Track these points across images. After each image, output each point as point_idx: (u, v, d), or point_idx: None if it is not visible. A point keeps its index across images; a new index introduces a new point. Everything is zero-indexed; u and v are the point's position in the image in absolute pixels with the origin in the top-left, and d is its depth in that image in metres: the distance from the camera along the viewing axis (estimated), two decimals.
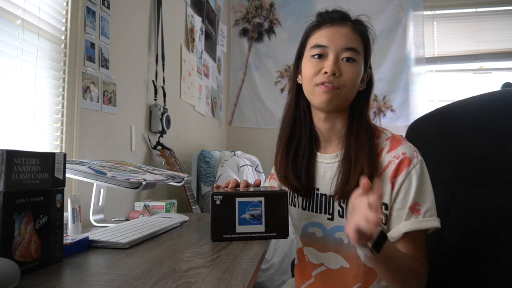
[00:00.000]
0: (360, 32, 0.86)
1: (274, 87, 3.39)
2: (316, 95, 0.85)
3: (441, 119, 1.04)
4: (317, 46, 0.85)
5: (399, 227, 0.79)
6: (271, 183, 1.11)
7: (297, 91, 0.93)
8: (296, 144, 0.93)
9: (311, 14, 0.91)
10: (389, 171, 0.81)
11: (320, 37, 0.86)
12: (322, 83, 0.83)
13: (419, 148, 0.85)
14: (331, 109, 0.86)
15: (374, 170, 0.81)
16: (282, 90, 3.38)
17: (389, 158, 0.82)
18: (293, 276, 1.27)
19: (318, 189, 0.92)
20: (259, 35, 3.44)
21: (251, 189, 0.88)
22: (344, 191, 0.83)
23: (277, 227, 0.80)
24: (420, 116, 1.13)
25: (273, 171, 1.12)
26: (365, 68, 0.89)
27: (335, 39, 0.84)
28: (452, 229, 0.92)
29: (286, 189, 0.99)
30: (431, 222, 0.78)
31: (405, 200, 0.80)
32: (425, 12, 3.24)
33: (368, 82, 0.91)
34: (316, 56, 0.85)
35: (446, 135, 1.01)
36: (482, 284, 0.86)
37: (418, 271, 0.78)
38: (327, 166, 0.91)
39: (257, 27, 3.44)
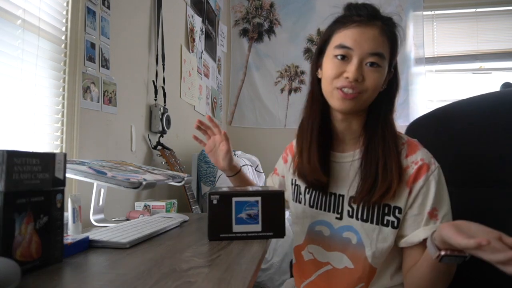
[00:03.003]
0: (389, 34, 0.82)
1: (274, 87, 3.39)
2: (334, 99, 0.83)
3: (441, 119, 1.04)
4: (341, 46, 0.81)
5: (418, 233, 0.80)
6: (273, 178, 1.11)
7: (319, 86, 0.89)
8: (318, 139, 0.89)
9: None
10: (407, 176, 0.81)
11: (346, 37, 0.81)
12: (342, 88, 0.80)
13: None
14: (352, 113, 0.85)
15: (401, 178, 0.81)
16: (282, 90, 3.38)
17: (407, 163, 0.82)
18: (291, 276, 1.27)
19: (328, 187, 0.90)
20: (259, 35, 3.44)
21: (249, 188, 0.88)
22: (366, 197, 0.82)
23: (274, 226, 0.81)
24: (419, 116, 1.13)
25: (277, 165, 1.12)
26: (389, 68, 0.85)
27: (362, 42, 0.79)
28: None
29: (289, 184, 1.00)
30: None
31: (423, 206, 0.80)
32: (425, 12, 3.24)
33: (391, 82, 0.87)
34: (339, 57, 0.81)
35: (444, 135, 1.01)
36: (473, 281, 0.87)
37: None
38: (340, 165, 0.89)
39: (257, 27, 3.44)
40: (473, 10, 3.23)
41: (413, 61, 3.21)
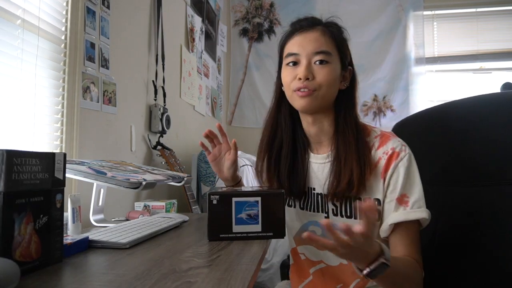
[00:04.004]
0: (331, 34, 0.88)
1: (274, 87, 3.39)
2: (295, 101, 0.89)
3: (431, 119, 1.06)
4: (290, 54, 0.89)
5: (387, 220, 0.81)
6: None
7: (279, 98, 0.96)
8: (278, 148, 0.95)
9: (286, 26, 0.95)
10: (380, 167, 0.84)
11: (292, 45, 0.89)
12: (298, 89, 0.86)
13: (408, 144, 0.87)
14: (313, 111, 0.89)
15: (364, 169, 0.83)
16: None
17: (379, 154, 0.85)
18: (283, 278, 1.27)
19: (314, 189, 0.94)
20: (259, 35, 3.44)
21: (248, 189, 0.88)
22: (335, 192, 0.86)
23: (274, 226, 0.81)
24: (409, 115, 1.16)
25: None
26: (344, 66, 0.90)
27: (305, 45, 0.87)
28: (442, 227, 0.94)
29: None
30: (419, 213, 0.79)
31: (394, 193, 0.82)
32: (425, 12, 3.24)
33: (352, 80, 0.92)
34: (290, 64, 0.89)
35: (436, 134, 1.03)
36: (470, 280, 0.88)
37: (416, 275, 0.78)
38: (320, 166, 0.93)
39: (257, 27, 3.44)
40: (473, 10, 3.22)
41: (413, 61, 3.20)
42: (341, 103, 0.90)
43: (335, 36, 0.89)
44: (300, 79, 0.85)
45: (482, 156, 0.91)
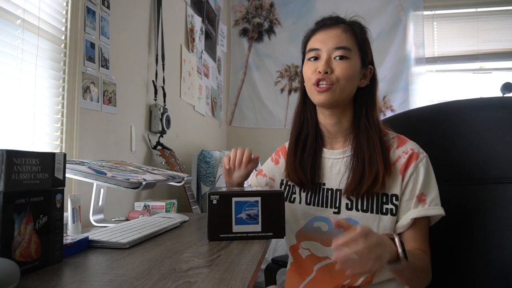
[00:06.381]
0: (353, 31, 0.92)
1: (274, 87, 3.39)
2: (313, 95, 0.91)
3: (421, 119, 1.10)
4: (311, 49, 0.92)
5: (408, 215, 0.86)
6: (259, 178, 1.10)
7: (304, 92, 0.99)
8: (304, 142, 0.98)
9: (311, 20, 0.98)
10: (399, 165, 0.89)
11: (314, 41, 0.93)
12: (317, 82, 0.89)
13: None
14: (331, 105, 0.91)
15: (387, 169, 0.88)
16: (282, 90, 3.38)
17: (398, 153, 0.90)
18: (268, 283, 1.27)
19: (324, 184, 0.95)
20: (259, 35, 3.44)
21: (248, 189, 0.88)
22: (357, 188, 0.88)
23: (274, 226, 0.81)
24: (396, 113, 1.19)
25: (262, 167, 1.13)
26: (365, 64, 0.93)
27: (327, 41, 0.90)
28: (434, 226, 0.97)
29: (278, 184, 1.03)
30: (437, 210, 0.86)
31: (413, 191, 0.87)
32: (425, 12, 3.24)
33: (372, 79, 0.95)
34: (312, 59, 0.92)
35: (426, 134, 1.05)
36: (463, 278, 0.93)
37: (427, 265, 0.85)
38: (334, 161, 0.95)
39: (257, 27, 3.44)
40: (474, 10, 3.22)
41: (413, 61, 3.20)
42: (362, 101, 0.93)
43: (356, 34, 0.92)
44: (319, 72, 0.88)
45: (472, 155, 0.96)
